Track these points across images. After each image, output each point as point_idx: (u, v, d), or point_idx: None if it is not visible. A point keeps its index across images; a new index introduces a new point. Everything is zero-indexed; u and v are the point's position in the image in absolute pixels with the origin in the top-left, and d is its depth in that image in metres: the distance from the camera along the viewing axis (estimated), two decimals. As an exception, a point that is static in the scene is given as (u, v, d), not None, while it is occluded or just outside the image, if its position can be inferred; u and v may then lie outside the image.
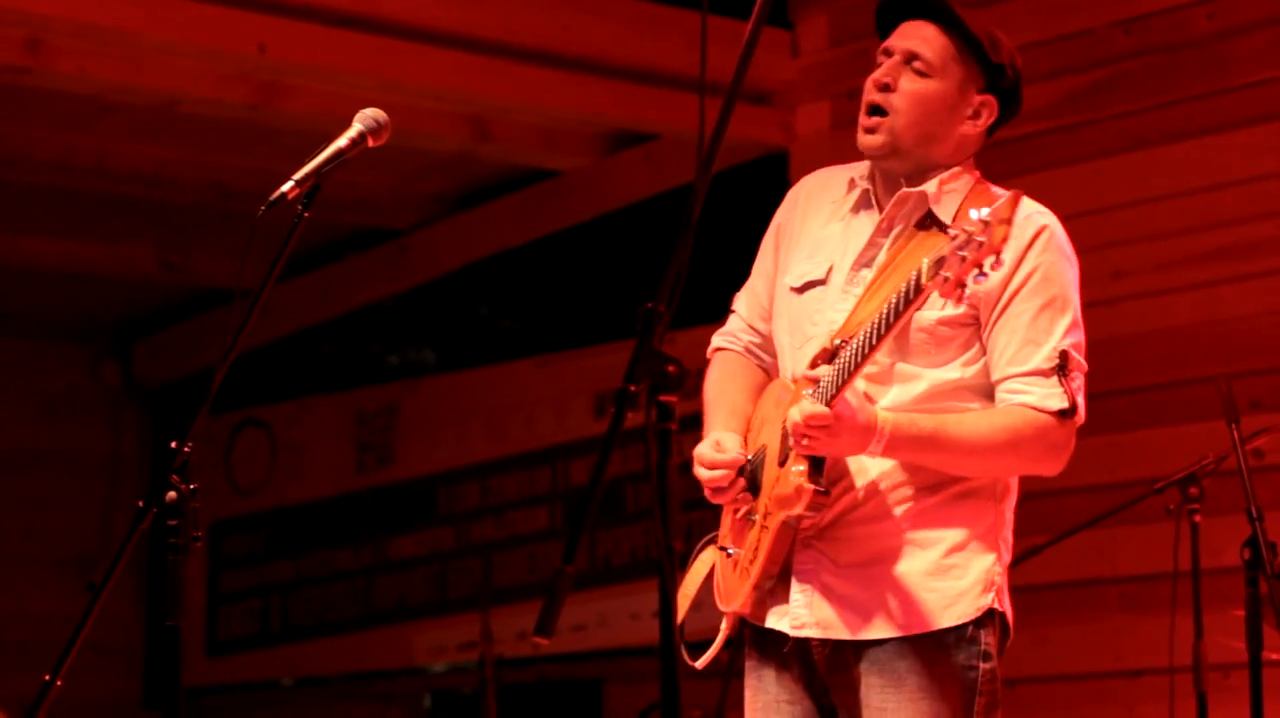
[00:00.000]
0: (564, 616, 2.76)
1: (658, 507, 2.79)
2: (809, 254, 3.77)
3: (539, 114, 8.34)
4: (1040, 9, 7.32)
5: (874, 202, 3.73)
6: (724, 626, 3.76)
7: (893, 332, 3.39)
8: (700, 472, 3.68)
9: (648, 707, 6.89)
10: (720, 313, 4.01)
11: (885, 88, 3.66)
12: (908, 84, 3.65)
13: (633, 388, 2.82)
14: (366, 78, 7.51)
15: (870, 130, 3.67)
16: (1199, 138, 6.98)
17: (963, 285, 3.25)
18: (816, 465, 3.52)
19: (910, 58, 3.66)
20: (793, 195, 3.90)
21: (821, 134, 7.92)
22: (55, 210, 9.40)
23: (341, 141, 3.56)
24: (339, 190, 8.88)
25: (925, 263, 3.30)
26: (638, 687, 8.59)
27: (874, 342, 3.40)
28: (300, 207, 3.49)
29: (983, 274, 3.23)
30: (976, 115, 3.69)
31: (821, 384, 3.48)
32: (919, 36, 3.67)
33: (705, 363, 3.95)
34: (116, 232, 9.81)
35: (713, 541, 3.84)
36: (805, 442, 3.45)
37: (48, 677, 3.41)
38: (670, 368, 2.81)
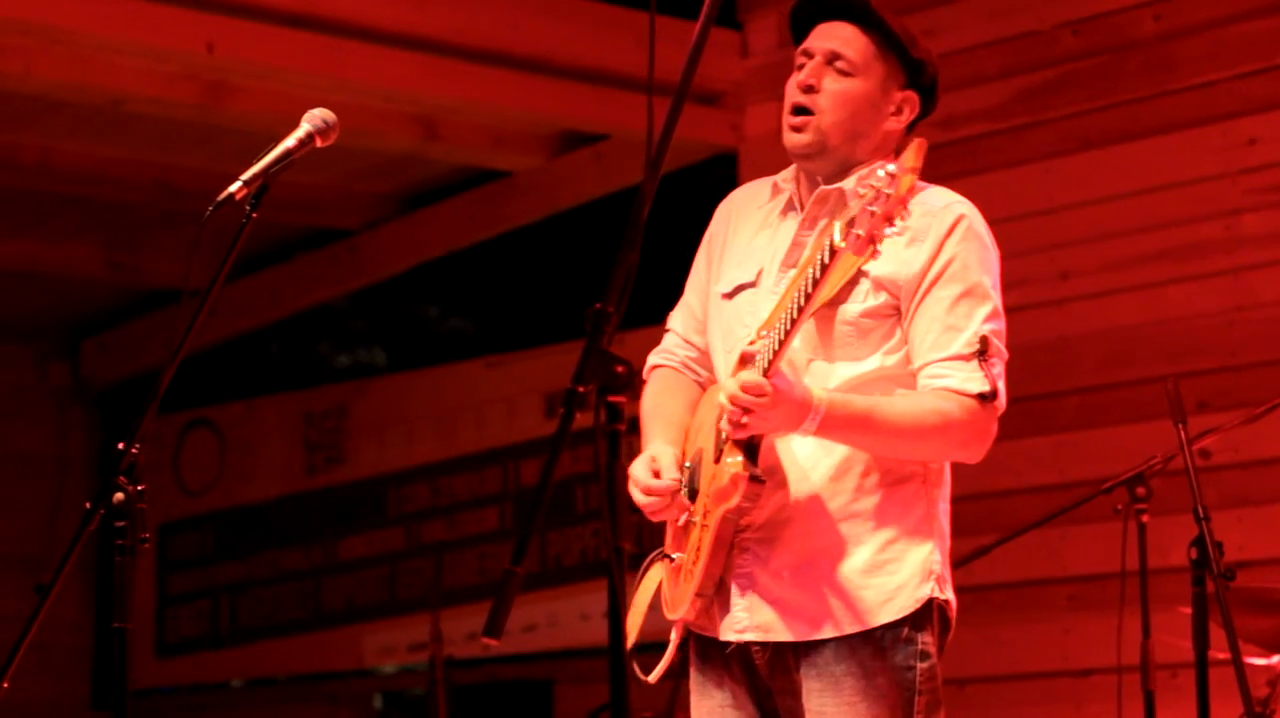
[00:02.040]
0: (514, 616, 2.76)
1: (607, 507, 2.79)
2: (739, 262, 3.79)
3: (488, 114, 8.33)
4: (987, 10, 7.35)
5: (798, 204, 3.76)
6: (674, 635, 3.75)
7: (816, 295, 3.39)
8: (635, 494, 3.65)
9: (598, 707, 6.89)
10: (670, 313, 4.01)
11: (809, 89, 3.70)
12: (832, 84, 3.69)
13: (582, 389, 2.82)
14: (315, 78, 7.49)
15: (798, 129, 3.71)
16: (1146, 139, 7.01)
17: (874, 241, 3.29)
18: (751, 454, 3.52)
19: (832, 58, 3.70)
20: (723, 208, 3.93)
21: (771, 135, 7.83)
22: (0, 210, 9.36)
23: (289, 142, 3.54)
24: (287, 191, 8.85)
25: (838, 226, 3.33)
26: (588, 687, 8.59)
27: (801, 303, 3.41)
28: (248, 207, 3.48)
29: (892, 227, 3.26)
30: (899, 112, 3.72)
31: (757, 359, 3.48)
32: (839, 37, 3.71)
33: (643, 382, 3.95)
34: (63, 231, 9.76)
35: (661, 555, 3.83)
36: (744, 418, 3.44)
37: (-6, 679, 3.39)
38: (619, 369, 2.81)
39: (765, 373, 3.43)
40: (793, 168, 3.81)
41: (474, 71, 7.76)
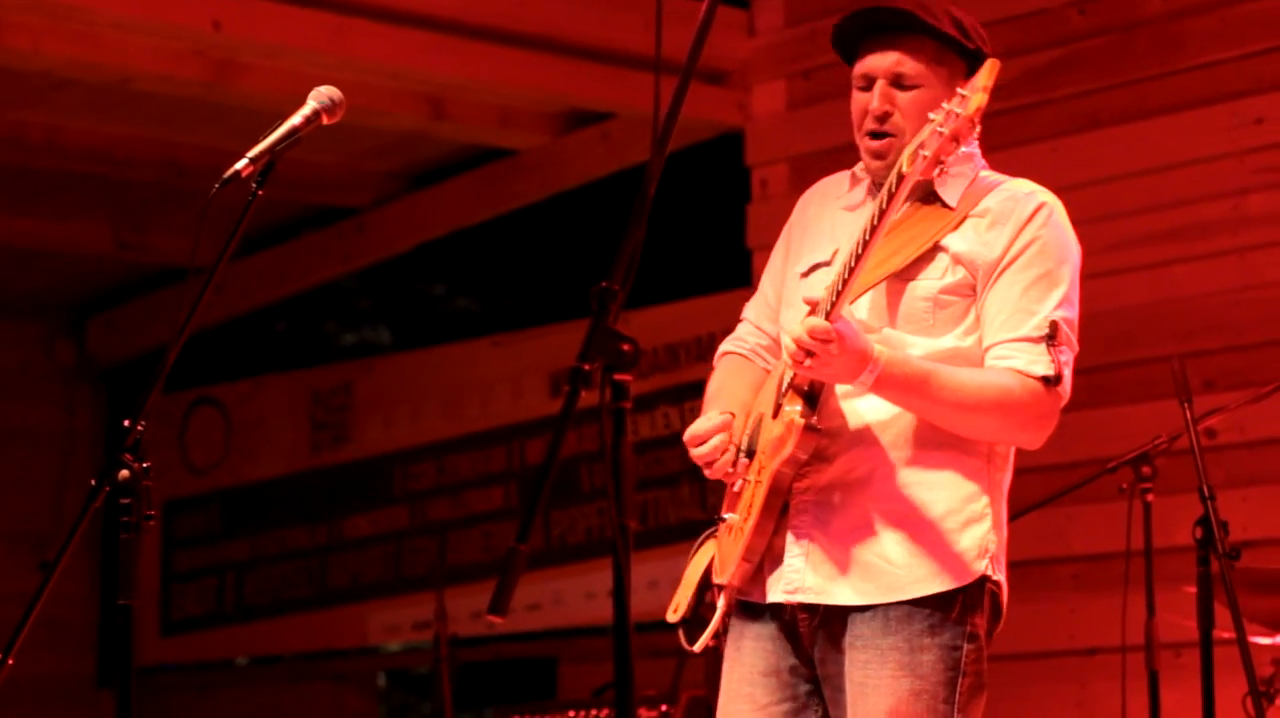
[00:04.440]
0: (519, 595, 2.76)
1: (612, 485, 2.79)
2: (815, 244, 3.81)
3: (495, 92, 8.33)
4: (995, -11, 7.34)
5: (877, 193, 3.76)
6: (720, 604, 3.75)
7: (883, 226, 3.42)
8: (693, 451, 3.68)
9: (602, 686, 6.90)
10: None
11: (885, 115, 3.67)
12: (905, 102, 3.66)
13: (587, 367, 2.82)
14: (321, 55, 7.49)
15: (879, 154, 3.69)
16: (1153, 118, 7.01)
17: (940, 160, 3.32)
18: (810, 403, 3.53)
19: (896, 78, 3.67)
20: (802, 200, 3.95)
21: (777, 114, 7.92)
22: (7, 187, 9.36)
23: (296, 119, 3.55)
24: (294, 168, 8.85)
25: (906, 152, 3.38)
26: (592, 666, 8.60)
27: (867, 237, 3.43)
28: (255, 184, 3.48)
29: (964, 146, 3.34)
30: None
31: (819, 305, 3.49)
32: (896, 54, 3.67)
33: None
34: (70, 208, 9.76)
35: (714, 534, 3.83)
36: (807, 362, 3.44)
37: None
38: (625, 347, 2.81)
39: (828, 316, 3.44)
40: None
41: (481, 50, 7.75)
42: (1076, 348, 3.65)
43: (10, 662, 3.40)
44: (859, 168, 3.82)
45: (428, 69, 7.84)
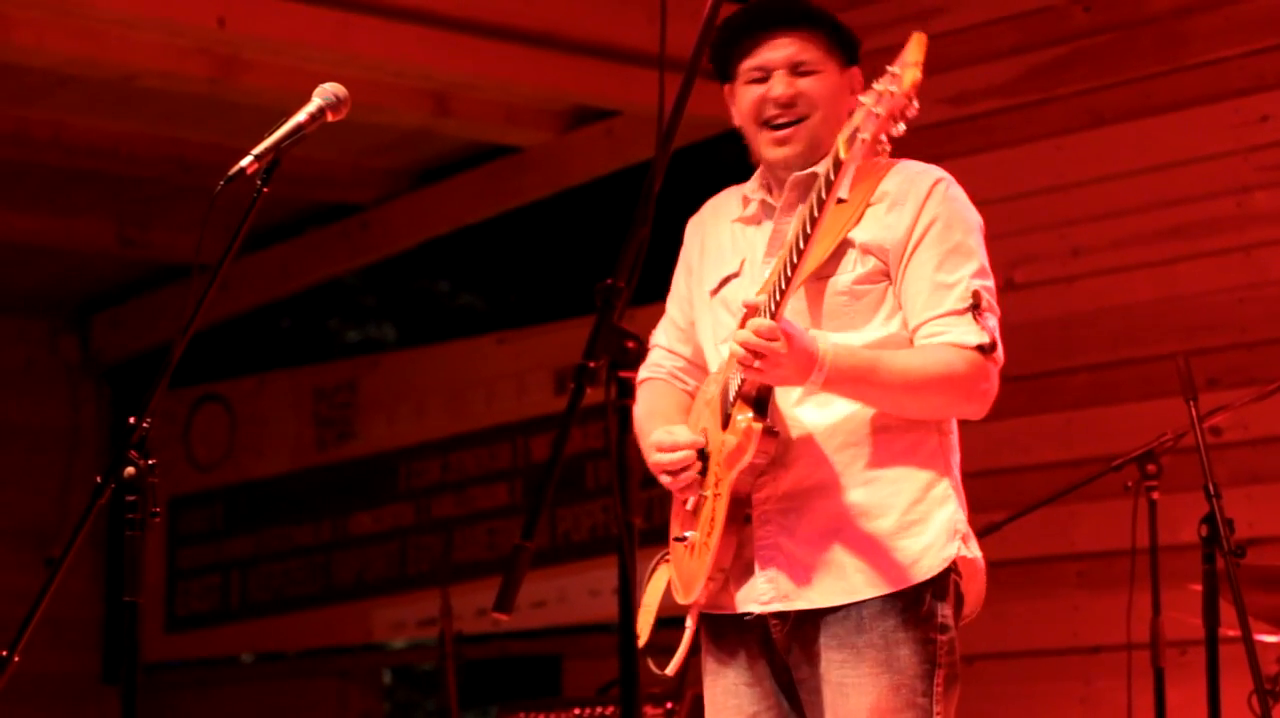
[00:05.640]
0: (524, 592, 2.76)
1: (617, 483, 2.79)
2: (719, 261, 3.82)
3: (500, 89, 8.33)
4: (1000, -14, 7.33)
5: (772, 208, 3.77)
6: (688, 623, 3.75)
7: (822, 217, 3.40)
8: (658, 457, 3.67)
9: (607, 683, 6.89)
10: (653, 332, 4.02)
11: (790, 101, 3.68)
12: (808, 85, 3.68)
13: (592, 364, 2.82)
14: (326, 52, 7.49)
15: (785, 141, 3.70)
16: (1157, 115, 7.00)
17: (880, 142, 3.31)
18: (761, 408, 3.52)
19: (795, 65, 3.68)
20: (693, 225, 3.96)
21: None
22: (11, 184, 9.36)
23: (301, 116, 3.55)
24: (298, 165, 8.86)
25: (840, 139, 3.36)
26: (597, 663, 8.60)
27: (808, 230, 3.42)
28: (259, 181, 3.48)
29: (903, 123, 3.29)
30: (855, 90, 3.71)
31: (761, 307, 3.48)
32: (791, 44, 3.69)
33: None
34: (74, 205, 9.77)
35: (665, 559, 3.82)
36: (756, 364, 3.43)
37: (5, 652, 3.40)
38: (630, 344, 2.81)
39: (773, 317, 3.43)
40: (757, 178, 3.83)
41: (485, 47, 7.75)
42: (998, 310, 3.65)
43: (16, 659, 3.40)
44: (749, 187, 3.83)
45: (432, 66, 7.84)
